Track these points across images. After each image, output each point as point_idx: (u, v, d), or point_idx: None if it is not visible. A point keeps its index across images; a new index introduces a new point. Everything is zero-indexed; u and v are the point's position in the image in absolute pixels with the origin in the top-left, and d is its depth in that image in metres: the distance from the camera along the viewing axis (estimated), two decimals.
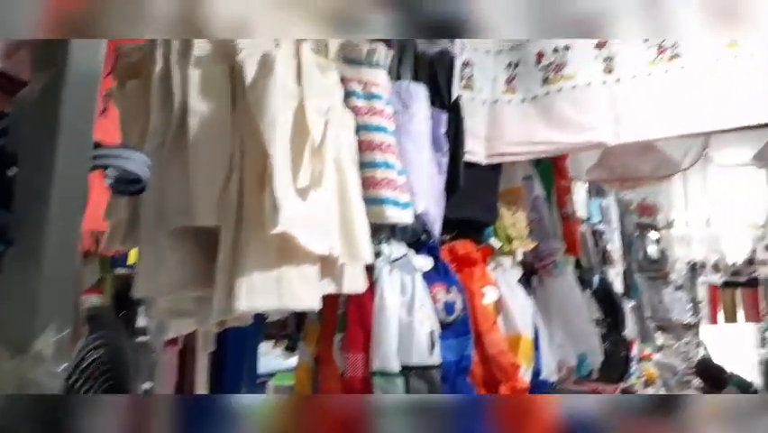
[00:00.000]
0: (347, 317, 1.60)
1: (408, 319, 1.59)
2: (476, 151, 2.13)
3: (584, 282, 3.43)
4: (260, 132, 1.16)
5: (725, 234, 4.29)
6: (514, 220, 2.26)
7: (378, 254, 1.66)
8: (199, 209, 1.17)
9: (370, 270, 1.63)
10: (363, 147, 1.49)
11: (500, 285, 2.16)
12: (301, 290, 1.24)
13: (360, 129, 1.49)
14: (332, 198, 1.34)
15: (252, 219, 1.16)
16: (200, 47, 1.23)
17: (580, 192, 3.56)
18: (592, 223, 3.76)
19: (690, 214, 4.28)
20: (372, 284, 1.62)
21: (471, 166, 2.09)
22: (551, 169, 2.89)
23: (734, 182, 4.34)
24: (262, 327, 1.72)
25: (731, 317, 10.18)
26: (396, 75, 1.89)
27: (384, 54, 1.55)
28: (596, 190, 3.79)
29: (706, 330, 9.22)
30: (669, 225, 4.39)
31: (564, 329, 2.65)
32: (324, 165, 1.27)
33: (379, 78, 1.53)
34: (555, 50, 2.05)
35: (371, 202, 1.47)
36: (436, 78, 2.06)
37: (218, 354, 1.60)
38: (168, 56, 1.23)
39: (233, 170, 1.20)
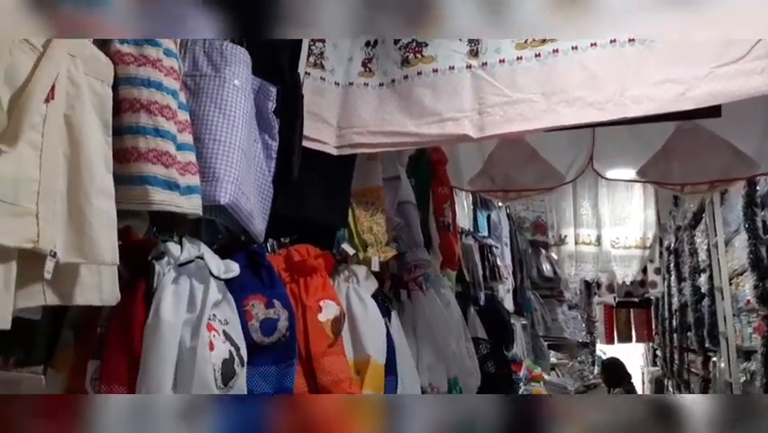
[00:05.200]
0: (107, 339, 1.15)
1: (192, 343, 1.17)
2: (324, 139, 1.75)
3: (468, 299, 3.13)
4: None
5: (614, 252, 4.15)
6: (371, 223, 1.89)
7: (161, 255, 1.23)
8: None
9: (145, 275, 1.21)
10: (124, 107, 1.07)
11: (351, 299, 1.78)
12: None
13: (121, 82, 1.07)
14: (53, 170, 0.91)
15: None
16: None
17: (465, 204, 3.27)
18: (480, 236, 3.48)
19: (581, 232, 4.11)
20: (149, 295, 1.19)
21: (318, 157, 1.72)
22: (428, 175, 2.57)
23: (623, 203, 4.21)
24: None
25: (625, 337, 10.37)
26: None
27: None
28: (482, 203, 3.52)
29: (601, 349, 9.30)
30: (561, 241, 4.20)
31: (435, 350, 2.31)
32: (23, 119, 0.84)
33: None
34: None
35: (129, 181, 1.05)
36: (276, 48, 1.67)
37: None
38: None
39: None
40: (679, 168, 2.64)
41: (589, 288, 7.41)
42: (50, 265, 0.89)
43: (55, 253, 0.90)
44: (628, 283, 4.74)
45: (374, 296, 1.86)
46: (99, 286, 1.01)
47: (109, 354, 1.14)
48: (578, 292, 6.64)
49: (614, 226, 4.09)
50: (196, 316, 1.19)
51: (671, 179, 2.70)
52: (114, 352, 1.14)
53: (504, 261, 4.05)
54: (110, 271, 1.03)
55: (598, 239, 4.11)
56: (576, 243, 4.11)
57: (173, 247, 1.24)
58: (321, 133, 1.74)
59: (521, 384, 3.72)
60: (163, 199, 1.08)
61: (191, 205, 1.15)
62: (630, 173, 3.02)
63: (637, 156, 2.82)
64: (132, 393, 1.12)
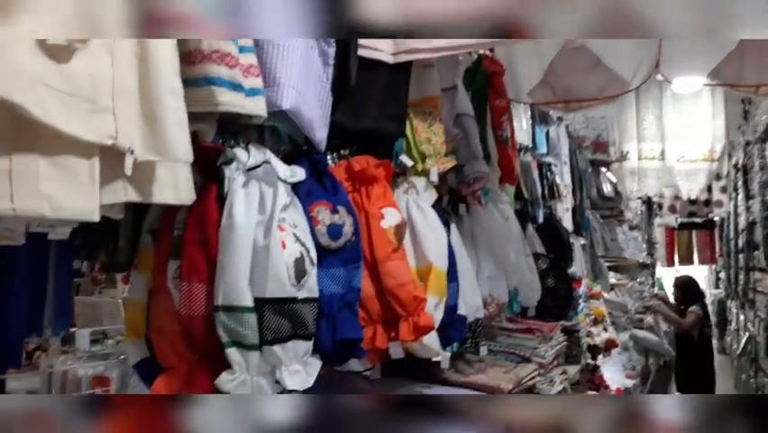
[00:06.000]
0: (185, 239, 1.21)
1: (265, 242, 1.21)
2: (380, 47, 1.71)
3: (526, 216, 3.09)
4: None
5: (679, 167, 3.96)
6: (429, 134, 1.86)
7: (230, 161, 1.26)
8: None
9: (216, 180, 1.24)
10: None
11: (411, 209, 1.79)
12: (57, 192, 0.84)
13: None
14: (125, 69, 0.93)
15: None
16: None
17: (523, 120, 3.17)
18: (538, 154, 3.39)
19: (644, 146, 3.93)
20: (221, 198, 1.23)
21: (374, 66, 1.69)
22: (485, 87, 2.49)
23: (690, 114, 3.99)
24: (72, 249, 1.30)
25: (686, 259, 10.10)
26: None
27: None
28: (541, 118, 3.40)
29: (661, 271, 9.12)
30: (622, 157, 4.04)
31: (495, 262, 2.31)
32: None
33: None
34: None
35: (194, 83, 1.06)
36: None
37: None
38: None
39: None
40: (753, 67, 2.46)
41: (650, 209, 7.19)
42: (129, 161, 0.92)
43: (133, 150, 0.93)
44: (693, 198, 4.54)
45: (433, 207, 1.86)
46: (175, 184, 1.04)
47: (188, 254, 1.20)
48: (638, 213, 6.46)
49: (679, 139, 3.89)
50: (267, 217, 1.23)
51: (744, 81, 2.52)
52: (193, 251, 1.20)
53: (563, 179, 3.94)
54: (184, 171, 1.06)
55: (662, 153, 3.93)
56: (639, 158, 3.94)
57: (240, 153, 1.27)
58: (376, 42, 1.70)
59: (581, 301, 3.70)
60: (229, 100, 1.09)
61: (256, 106, 1.16)
62: (699, 79, 2.83)
63: (708, 58, 2.64)
64: (212, 290, 1.18)
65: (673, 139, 3.86)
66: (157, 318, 1.23)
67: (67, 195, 0.85)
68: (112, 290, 2.34)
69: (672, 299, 6.12)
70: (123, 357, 1.28)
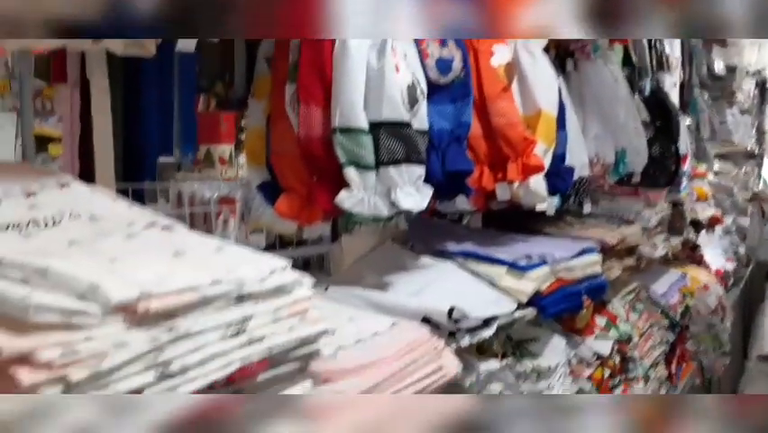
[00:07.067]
0: (300, 64, 1.19)
1: (379, 65, 1.17)
2: None
3: (633, 85, 2.86)
4: None
5: None
6: None
7: None
8: None
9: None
10: None
11: (520, 53, 1.67)
12: None
13: None
14: None
15: None
16: None
17: None
18: None
19: None
20: None
21: None
22: None
23: None
24: (195, 68, 1.31)
25: None
26: None
27: None
28: None
29: None
30: None
31: (602, 121, 2.17)
32: None
33: None
34: None
35: None
36: None
37: (132, 99, 1.24)
38: None
39: None
40: None
41: (764, 93, 6.49)
42: None
43: None
44: None
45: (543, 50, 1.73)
46: None
47: (304, 78, 1.19)
48: (750, 95, 5.85)
49: None
50: (379, 41, 1.18)
51: None
52: (308, 75, 1.18)
53: (673, 51, 3.59)
54: None
55: None
56: None
57: None
58: None
59: (684, 178, 3.48)
60: None
61: None
62: None
63: None
64: (328, 113, 1.17)
65: None
66: (277, 143, 1.25)
67: None
68: (211, 171, 2.44)
69: None
70: (245, 182, 1.33)
